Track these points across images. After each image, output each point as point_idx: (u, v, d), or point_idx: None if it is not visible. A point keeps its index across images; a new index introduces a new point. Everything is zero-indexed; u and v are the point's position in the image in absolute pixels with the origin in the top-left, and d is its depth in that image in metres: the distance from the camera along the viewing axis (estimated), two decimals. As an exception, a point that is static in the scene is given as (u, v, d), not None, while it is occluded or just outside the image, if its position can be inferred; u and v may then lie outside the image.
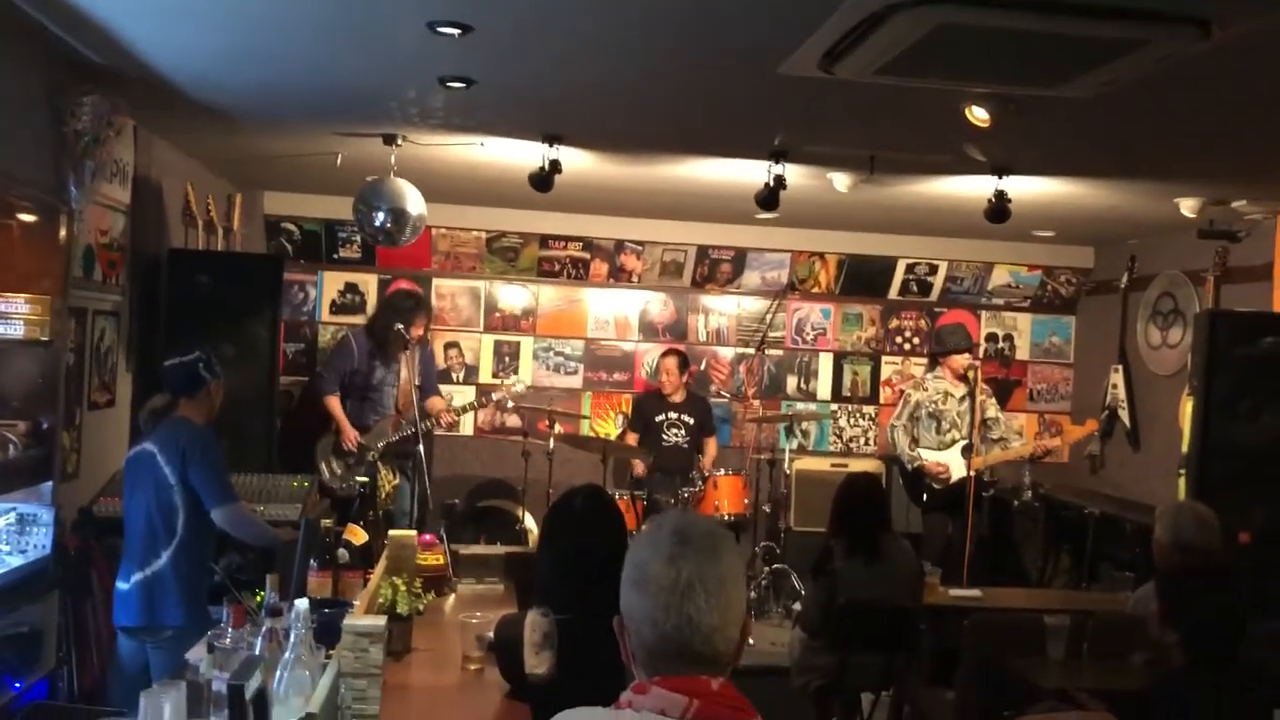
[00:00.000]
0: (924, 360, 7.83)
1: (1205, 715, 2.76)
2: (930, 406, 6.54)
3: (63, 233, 4.10)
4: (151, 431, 3.84)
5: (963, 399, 6.51)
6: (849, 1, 2.81)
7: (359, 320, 7.40)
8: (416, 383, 6.21)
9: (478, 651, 3.07)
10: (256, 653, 2.25)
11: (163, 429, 3.80)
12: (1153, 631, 3.14)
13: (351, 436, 6.14)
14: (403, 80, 4.06)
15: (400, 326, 6.10)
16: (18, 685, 3.68)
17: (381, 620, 2.54)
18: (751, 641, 5.46)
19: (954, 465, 6.43)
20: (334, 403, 6.23)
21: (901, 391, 7.09)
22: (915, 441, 6.54)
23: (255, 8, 3.27)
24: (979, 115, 3.75)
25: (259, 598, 3.04)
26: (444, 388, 7.41)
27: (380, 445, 6.17)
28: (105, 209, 4.60)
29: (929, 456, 6.47)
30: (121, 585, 3.77)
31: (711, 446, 7.18)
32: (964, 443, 6.38)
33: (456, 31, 3.29)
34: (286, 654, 2.16)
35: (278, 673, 2.16)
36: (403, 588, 3.17)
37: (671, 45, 3.41)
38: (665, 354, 7.17)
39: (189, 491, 3.71)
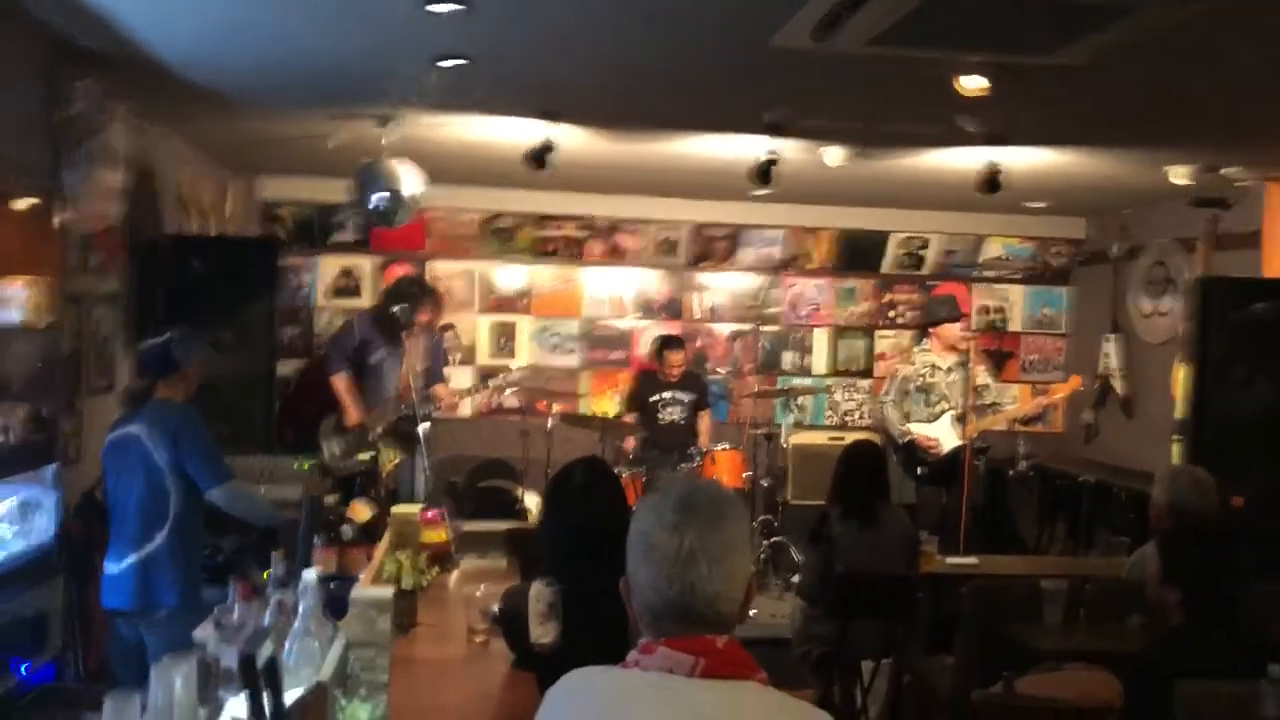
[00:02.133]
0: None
1: (1203, 673, 2.80)
2: (918, 380, 6.58)
3: (59, 219, 4.10)
4: (134, 414, 3.81)
5: (950, 370, 6.54)
6: (840, -29, 2.83)
7: (356, 303, 7.42)
8: (419, 368, 6.21)
9: (483, 624, 3.10)
10: (265, 624, 2.27)
11: (148, 412, 3.77)
12: (1151, 593, 3.18)
13: (355, 414, 6.13)
14: (399, 59, 4.06)
15: (398, 310, 6.09)
16: (25, 668, 3.71)
17: (389, 590, 2.57)
18: (753, 612, 5.46)
19: (944, 437, 6.46)
20: (339, 381, 6.16)
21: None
22: (906, 416, 6.58)
23: (247, -13, 3.28)
24: (974, 85, 3.76)
25: (265, 576, 3.06)
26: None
27: (380, 427, 6.16)
28: (101, 195, 4.59)
29: (919, 430, 6.51)
30: (112, 568, 3.75)
31: (705, 421, 7.21)
32: (954, 413, 6.43)
33: (452, 8, 3.29)
34: (296, 625, 2.18)
35: (287, 644, 2.18)
36: (407, 563, 3.19)
37: (665, 18, 3.42)
38: (669, 346, 7.10)
39: (180, 474, 3.70)
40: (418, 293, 6.26)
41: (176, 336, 3.81)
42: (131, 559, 3.70)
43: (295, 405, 6.92)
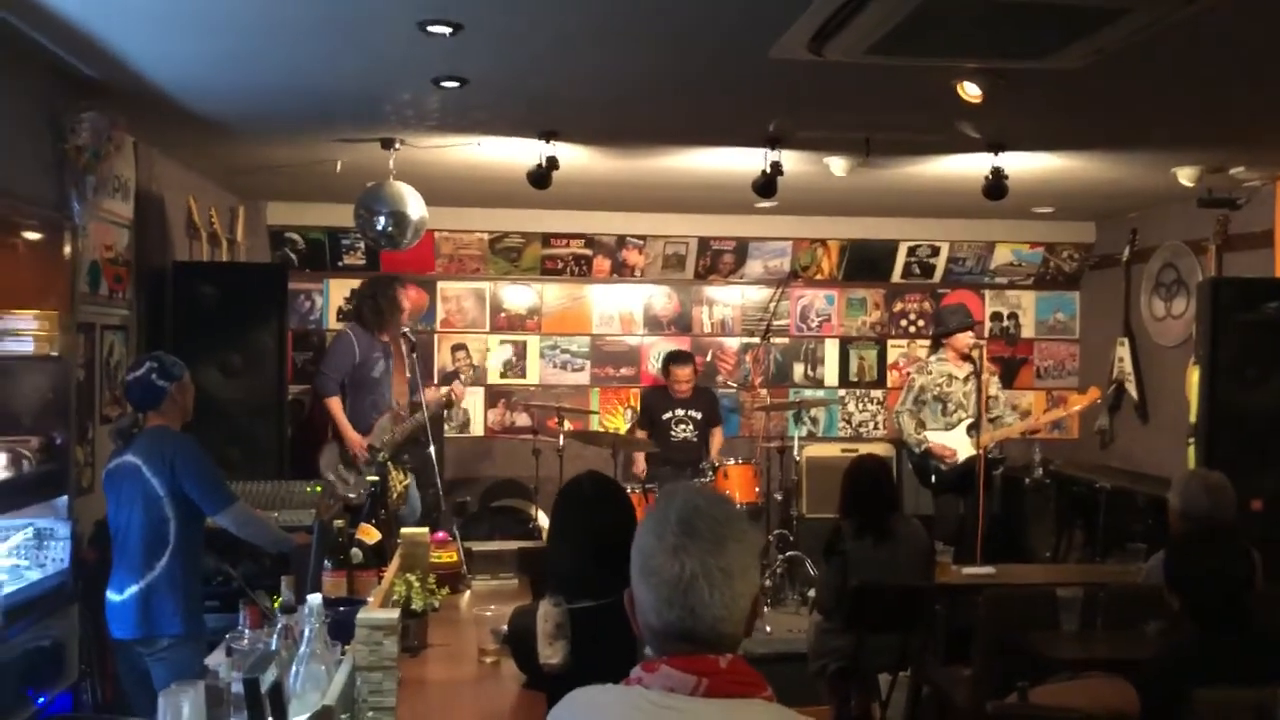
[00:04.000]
0: (928, 343, 7.84)
1: (1214, 679, 2.77)
2: (935, 390, 6.55)
3: (68, 249, 4.13)
4: (129, 444, 3.76)
5: (967, 379, 6.51)
6: (834, -18, 2.83)
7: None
8: (407, 375, 6.17)
9: (493, 644, 3.09)
10: (272, 649, 2.27)
11: (144, 440, 3.72)
12: (1166, 599, 3.15)
13: (358, 443, 6.02)
14: (397, 82, 4.09)
15: (386, 308, 6.07)
16: (41, 699, 3.71)
17: (395, 613, 2.56)
18: (769, 629, 5.45)
19: (960, 446, 6.43)
20: (336, 405, 6.06)
21: (907, 375, 7.10)
22: (921, 424, 6.55)
23: (244, 14, 3.29)
24: (971, 91, 3.76)
25: (277, 602, 3.06)
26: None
27: (385, 441, 6.08)
28: (109, 224, 4.63)
29: (935, 439, 6.48)
30: (114, 597, 3.72)
31: (718, 436, 7.20)
32: (969, 421, 6.39)
33: (447, 30, 3.31)
34: (302, 649, 2.18)
35: (293, 668, 2.18)
36: (417, 584, 3.19)
37: (661, 33, 3.42)
38: (675, 361, 7.10)
39: (179, 502, 3.67)
40: (386, 286, 6.21)
41: (154, 365, 3.75)
42: (134, 588, 3.67)
43: (309, 430, 6.91)
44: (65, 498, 4.01)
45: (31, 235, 3.91)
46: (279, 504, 4.79)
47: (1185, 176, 5.66)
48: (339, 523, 3.47)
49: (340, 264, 7.61)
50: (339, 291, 7.69)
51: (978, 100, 3.80)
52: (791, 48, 3.37)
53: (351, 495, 5.92)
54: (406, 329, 6.02)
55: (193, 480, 3.67)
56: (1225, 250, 6.19)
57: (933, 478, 6.54)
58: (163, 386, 3.73)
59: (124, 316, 4.90)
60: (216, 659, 2.77)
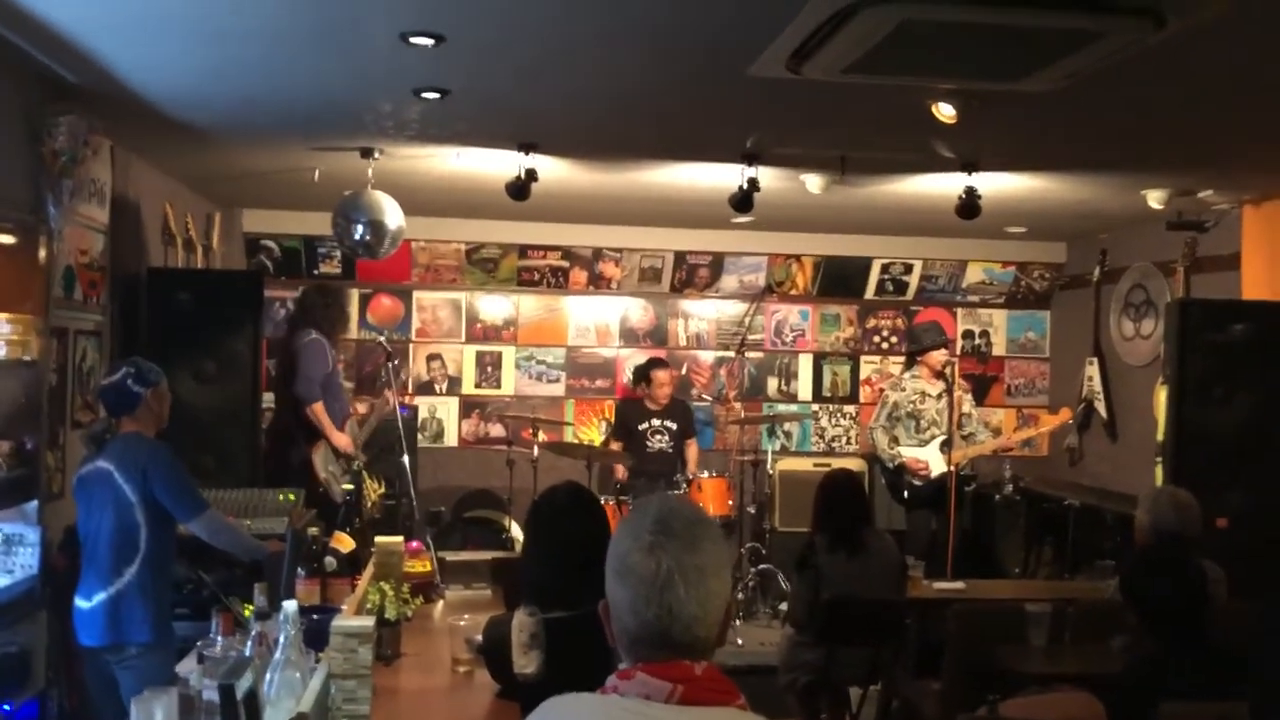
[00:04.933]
0: (901, 359, 7.91)
1: (1177, 693, 2.81)
2: (908, 406, 6.61)
3: (42, 253, 4.11)
4: (101, 449, 3.72)
5: (940, 396, 6.58)
6: (814, 0, 2.87)
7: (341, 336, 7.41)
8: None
9: (467, 654, 3.09)
10: (246, 656, 2.27)
11: (117, 446, 3.70)
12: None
13: (346, 444, 6.00)
14: (377, 92, 4.10)
15: (338, 310, 6.11)
16: (7, 707, 3.68)
17: (369, 620, 2.57)
18: (741, 642, 5.46)
19: (933, 461, 6.49)
20: (321, 409, 6.00)
21: (881, 391, 7.16)
22: (895, 440, 6.61)
23: (225, 20, 3.30)
24: (945, 112, 3.82)
25: (248, 611, 3.05)
26: (428, 399, 7.49)
27: (361, 444, 6.06)
28: (84, 229, 4.61)
29: (909, 453, 6.53)
30: (83, 603, 3.67)
31: (693, 449, 7.22)
32: (942, 438, 6.46)
33: (429, 42, 3.33)
34: (276, 656, 2.19)
35: (268, 675, 2.18)
36: (391, 593, 3.19)
37: (641, 48, 3.46)
38: (656, 368, 7.13)
39: (151, 508, 3.64)
40: (336, 294, 6.22)
41: (131, 371, 3.72)
42: (103, 595, 3.63)
43: (283, 438, 6.86)
44: (35, 503, 3.99)
45: (6, 239, 3.89)
46: (252, 512, 4.76)
47: (1155, 199, 5.75)
48: (313, 530, 3.46)
49: (316, 272, 7.59)
50: (314, 300, 7.66)
51: (952, 121, 3.86)
52: (770, 66, 3.41)
53: (339, 491, 5.88)
54: (383, 338, 6.03)
55: (165, 487, 3.64)
56: (1193, 272, 6.28)
57: (905, 493, 6.59)
58: (138, 392, 3.71)
59: (98, 322, 4.87)
60: (188, 666, 2.75)
